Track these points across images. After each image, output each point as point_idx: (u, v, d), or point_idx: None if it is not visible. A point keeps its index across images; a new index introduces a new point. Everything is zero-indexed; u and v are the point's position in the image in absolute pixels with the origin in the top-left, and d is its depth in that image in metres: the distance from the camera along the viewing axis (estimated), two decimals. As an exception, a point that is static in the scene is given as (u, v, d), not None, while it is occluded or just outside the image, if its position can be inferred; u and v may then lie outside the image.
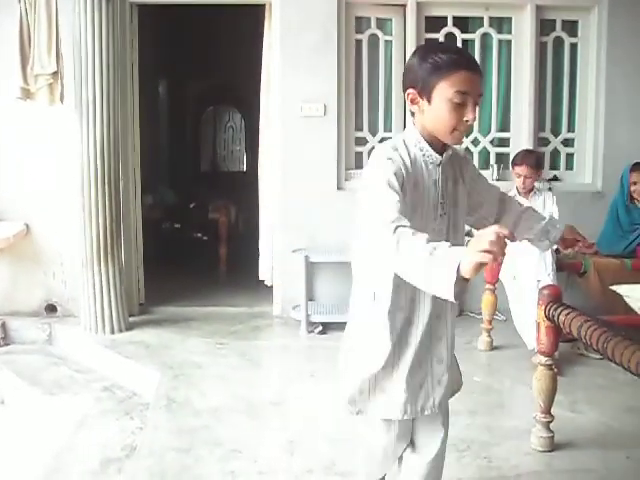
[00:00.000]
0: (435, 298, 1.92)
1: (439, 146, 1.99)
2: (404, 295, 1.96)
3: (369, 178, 1.89)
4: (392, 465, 2.15)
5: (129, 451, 3.32)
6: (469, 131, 1.82)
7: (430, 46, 2.12)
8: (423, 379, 2.03)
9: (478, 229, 2.11)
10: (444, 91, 1.89)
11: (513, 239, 1.60)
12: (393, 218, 1.72)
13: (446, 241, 1.70)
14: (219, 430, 3.26)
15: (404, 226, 1.70)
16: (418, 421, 2.08)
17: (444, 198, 2.00)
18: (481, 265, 1.51)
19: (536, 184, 4.67)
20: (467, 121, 1.91)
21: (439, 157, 1.98)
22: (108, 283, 4.87)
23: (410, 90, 1.97)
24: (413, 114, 2.01)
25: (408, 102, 1.99)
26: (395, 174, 1.85)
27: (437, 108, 1.92)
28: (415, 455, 2.11)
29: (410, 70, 1.98)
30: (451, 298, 1.57)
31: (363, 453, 2.16)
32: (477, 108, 1.95)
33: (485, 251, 1.49)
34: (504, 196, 2.29)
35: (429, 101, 1.93)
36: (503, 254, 1.51)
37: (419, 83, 1.94)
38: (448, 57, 1.90)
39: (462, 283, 1.56)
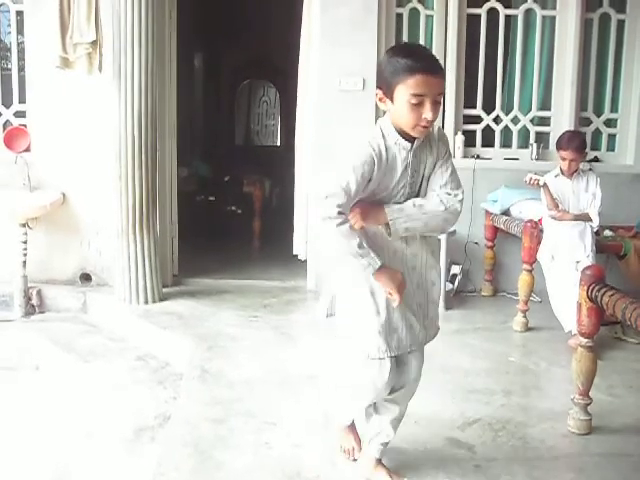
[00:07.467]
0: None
1: (409, 134, 2.23)
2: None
3: (349, 156, 2.23)
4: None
5: (162, 420, 3.35)
6: (432, 124, 2.22)
7: (396, 49, 2.31)
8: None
9: None
10: (401, 93, 2.14)
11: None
12: (340, 203, 2.16)
13: None
14: (253, 402, 3.25)
15: (345, 214, 2.17)
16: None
17: (414, 177, 2.30)
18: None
19: (580, 165, 4.58)
20: (426, 118, 2.14)
21: (409, 144, 2.25)
22: (143, 253, 4.88)
23: (377, 90, 2.24)
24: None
25: (377, 100, 2.26)
26: (365, 161, 2.19)
27: (398, 108, 2.17)
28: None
29: (378, 71, 2.25)
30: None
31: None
32: (439, 106, 2.18)
33: (391, 291, 2.23)
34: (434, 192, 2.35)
35: (392, 101, 2.19)
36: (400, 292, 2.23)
37: (384, 85, 2.20)
38: (405, 62, 2.12)
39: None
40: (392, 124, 2.25)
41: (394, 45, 2.37)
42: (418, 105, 2.12)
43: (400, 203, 2.29)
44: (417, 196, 2.33)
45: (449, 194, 2.32)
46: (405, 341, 2.35)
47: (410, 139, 2.25)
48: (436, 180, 2.33)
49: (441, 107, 2.26)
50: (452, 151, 5.39)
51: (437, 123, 5.62)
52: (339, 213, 2.15)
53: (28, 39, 5.31)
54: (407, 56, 2.13)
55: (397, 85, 2.13)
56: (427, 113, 2.13)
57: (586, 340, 2.96)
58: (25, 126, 5.37)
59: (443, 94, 2.20)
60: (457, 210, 2.32)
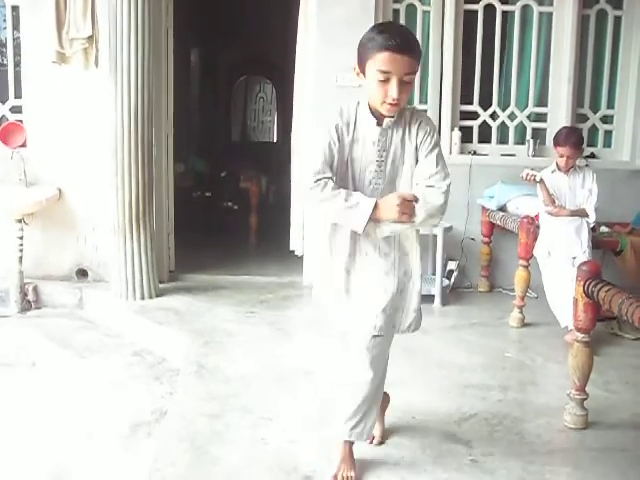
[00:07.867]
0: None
1: (382, 113, 2.29)
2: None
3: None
4: None
5: (159, 415, 3.34)
6: (403, 104, 2.28)
7: (375, 26, 2.31)
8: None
9: None
10: (371, 69, 2.19)
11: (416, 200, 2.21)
12: (317, 170, 2.24)
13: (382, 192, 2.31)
14: (249, 397, 3.25)
15: (325, 178, 2.23)
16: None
17: (382, 157, 2.33)
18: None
19: (577, 161, 4.58)
20: (391, 96, 2.17)
21: (375, 120, 2.30)
22: (139, 249, 4.87)
23: (354, 65, 2.29)
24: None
25: (354, 75, 2.31)
26: (335, 127, 2.31)
27: (368, 83, 2.23)
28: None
29: (357, 48, 2.27)
30: (360, 231, 2.24)
31: None
32: (408, 86, 2.20)
33: (399, 218, 2.18)
34: (418, 186, 2.32)
35: (364, 76, 2.24)
36: (410, 213, 2.19)
37: (359, 59, 2.25)
38: (376, 38, 2.16)
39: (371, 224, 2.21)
40: (367, 100, 2.31)
41: (373, 25, 2.35)
42: (385, 82, 2.17)
43: (369, 180, 2.34)
44: (386, 177, 2.34)
45: (432, 186, 2.27)
46: (356, 325, 2.44)
47: (381, 117, 2.30)
48: (420, 172, 2.32)
49: (411, 88, 2.33)
50: (449, 147, 5.39)
51: (434, 119, 5.65)
52: (317, 180, 2.22)
53: (24, 34, 5.29)
54: (380, 33, 2.18)
55: (368, 60, 2.19)
56: (392, 91, 2.16)
57: (582, 335, 2.96)
58: (21, 121, 5.35)
59: (413, 75, 2.21)
60: (439, 205, 2.26)
